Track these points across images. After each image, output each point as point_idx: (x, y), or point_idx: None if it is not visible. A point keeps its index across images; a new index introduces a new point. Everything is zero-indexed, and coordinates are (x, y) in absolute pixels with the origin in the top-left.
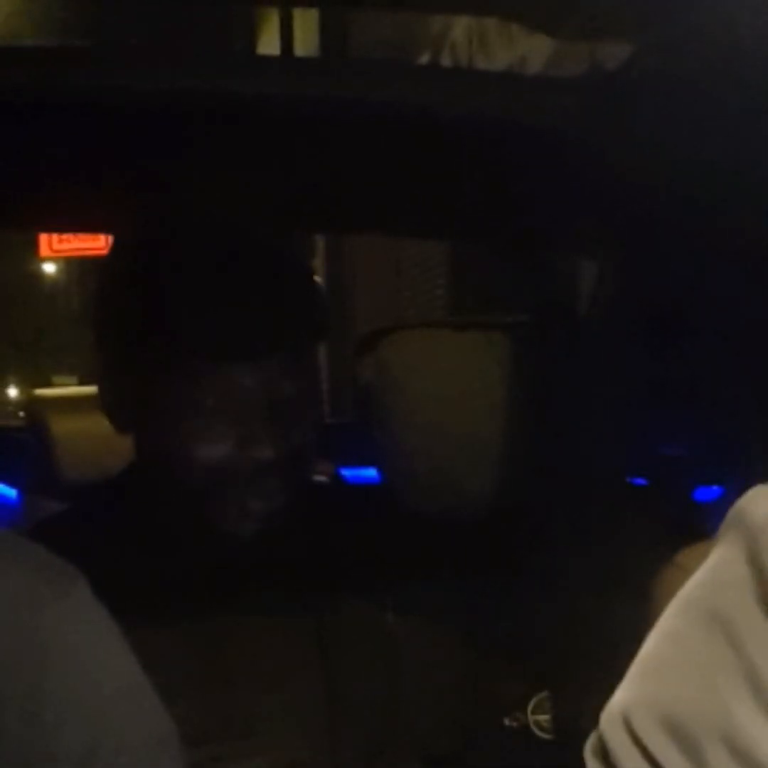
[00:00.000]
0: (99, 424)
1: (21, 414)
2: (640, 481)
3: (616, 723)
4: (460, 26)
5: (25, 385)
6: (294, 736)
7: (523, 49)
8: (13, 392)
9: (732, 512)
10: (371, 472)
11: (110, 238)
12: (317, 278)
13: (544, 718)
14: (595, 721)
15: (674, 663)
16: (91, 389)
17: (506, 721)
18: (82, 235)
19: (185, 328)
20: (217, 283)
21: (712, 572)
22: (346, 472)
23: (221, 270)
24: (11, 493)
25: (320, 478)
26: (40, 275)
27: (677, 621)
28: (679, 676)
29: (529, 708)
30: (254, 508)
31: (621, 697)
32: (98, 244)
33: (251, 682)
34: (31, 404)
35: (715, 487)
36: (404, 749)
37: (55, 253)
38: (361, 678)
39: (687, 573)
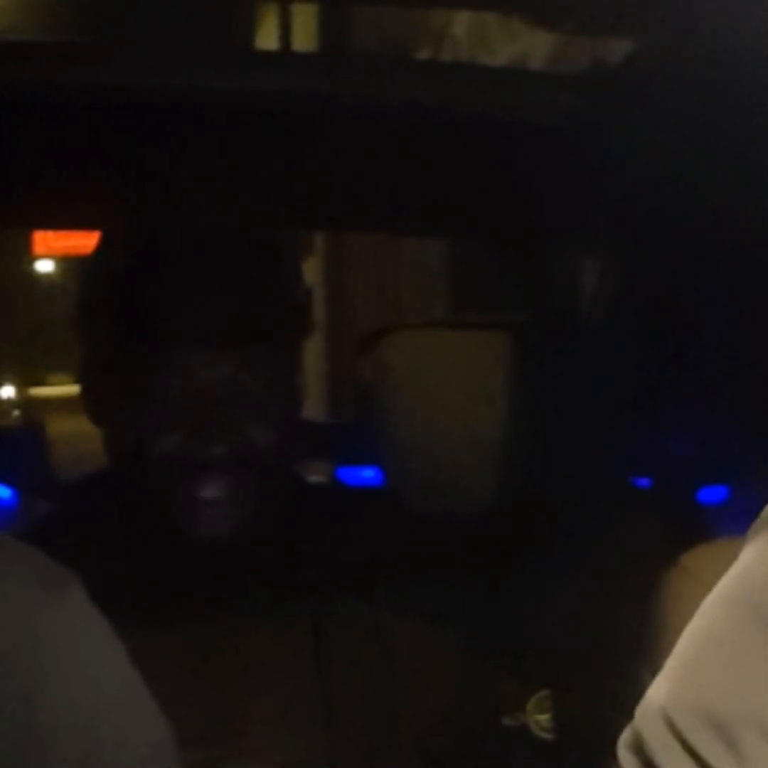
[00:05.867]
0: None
1: (16, 412)
2: (643, 481)
3: (655, 718)
4: (461, 21)
5: (20, 383)
6: (290, 738)
7: (524, 45)
8: (8, 391)
9: (766, 511)
10: (370, 472)
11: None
12: (306, 278)
13: (543, 717)
14: (595, 721)
15: (713, 658)
16: None
17: (505, 721)
18: (77, 233)
19: (149, 316)
20: (191, 276)
21: (748, 569)
22: (345, 472)
23: (197, 264)
24: (6, 492)
25: (317, 478)
26: (34, 273)
27: (714, 617)
28: (717, 671)
29: (528, 707)
30: (209, 511)
31: (658, 693)
32: (93, 242)
33: (247, 684)
34: (26, 403)
35: (719, 488)
36: (402, 749)
37: (50, 251)
38: (358, 678)
39: (690, 575)
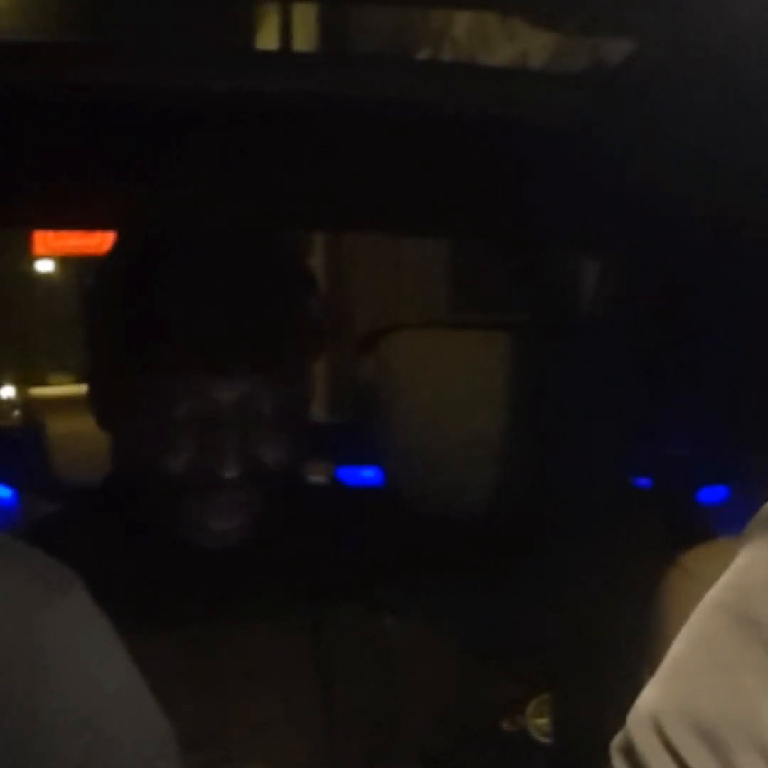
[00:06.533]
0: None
1: (16, 413)
2: (643, 481)
3: (645, 724)
4: (461, 21)
5: (20, 383)
6: (290, 739)
7: (524, 45)
8: (8, 391)
9: (760, 514)
10: (370, 472)
11: (107, 237)
12: (319, 292)
13: (542, 721)
14: (594, 724)
15: (703, 665)
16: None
17: (504, 725)
18: (77, 233)
19: (166, 333)
20: (206, 291)
21: (741, 575)
22: (345, 472)
23: (212, 278)
24: (7, 493)
25: (318, 479)
26: (35, 273)
27: (707, 623)
28: (708, 678)
29: (528, 711)
30: (215, 527)
31: (649, 698)
32: (93, 242)
33: (248, 686)
34: (26, 403)
35: (719, 488)
36: (402, 752)
37: (50, 251)
38: (358, 681)
39: (690, 575)
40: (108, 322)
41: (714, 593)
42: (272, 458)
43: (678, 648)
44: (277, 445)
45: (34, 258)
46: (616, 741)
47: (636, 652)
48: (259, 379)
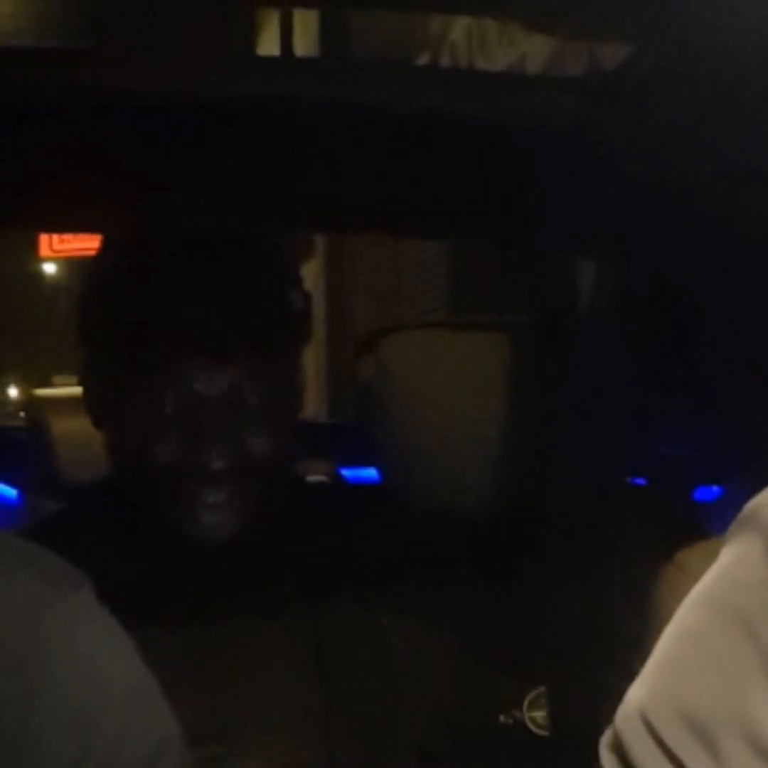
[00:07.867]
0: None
1: (21, 414)
2: (640, 480)
3: (633, 719)
4: (460, 26)
5: (25, 384)
6: (290, 737)
7: (522, 50)
8: (13, 392)
9: (746, 511)
10: (371, 472)
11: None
12: (305, 285)
13: (539, 714)
14: (591, 718)
15: (692, 660)
16: None
17: (501, 718)
18: (82, 236)
19: (150, 326)
20: (187, 283)
21: (729, 571)
22: (345, 472)
23: (194, 270)
24: (11, 493)
25: (319, 478)
26: (40, 275)
27: (694, 619)
28: (697, 672)
29: (525, 705)
30: (204, 520)
31: (637, 693)
32: (97, 244)
33: (248, 684)
34: (31, 404)
35: (715, 487)
36: (400, 747)
37: (55, 254)
38: (357, 677)
39: (686, 573)
40: (98, 322)
41: (701, 589)
42: (260, 449)
43: (666, 643)
44: (266, 437)
45: (39, 260)
46: (605, 738)
47: (632, 647)
48: (244, 371)
